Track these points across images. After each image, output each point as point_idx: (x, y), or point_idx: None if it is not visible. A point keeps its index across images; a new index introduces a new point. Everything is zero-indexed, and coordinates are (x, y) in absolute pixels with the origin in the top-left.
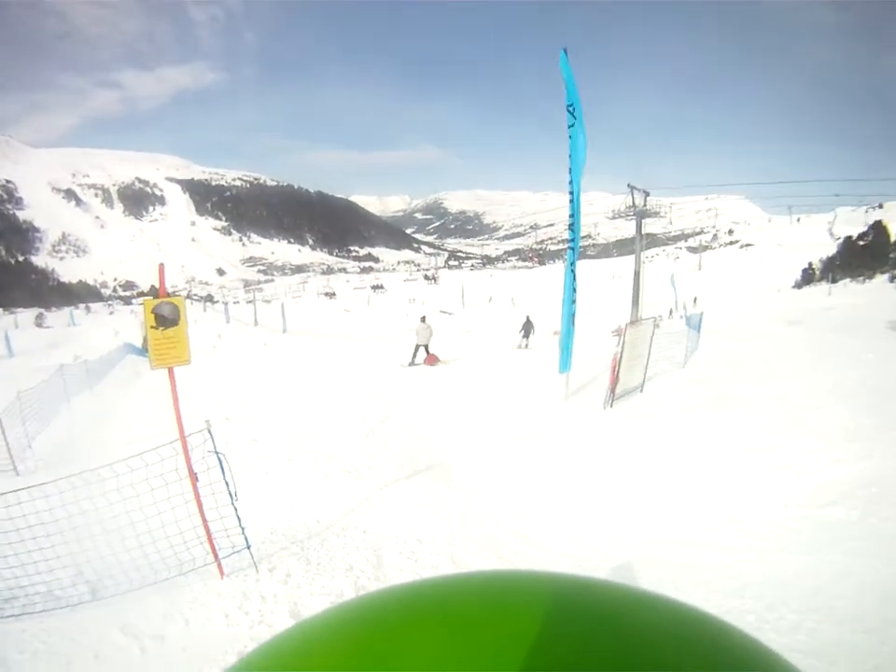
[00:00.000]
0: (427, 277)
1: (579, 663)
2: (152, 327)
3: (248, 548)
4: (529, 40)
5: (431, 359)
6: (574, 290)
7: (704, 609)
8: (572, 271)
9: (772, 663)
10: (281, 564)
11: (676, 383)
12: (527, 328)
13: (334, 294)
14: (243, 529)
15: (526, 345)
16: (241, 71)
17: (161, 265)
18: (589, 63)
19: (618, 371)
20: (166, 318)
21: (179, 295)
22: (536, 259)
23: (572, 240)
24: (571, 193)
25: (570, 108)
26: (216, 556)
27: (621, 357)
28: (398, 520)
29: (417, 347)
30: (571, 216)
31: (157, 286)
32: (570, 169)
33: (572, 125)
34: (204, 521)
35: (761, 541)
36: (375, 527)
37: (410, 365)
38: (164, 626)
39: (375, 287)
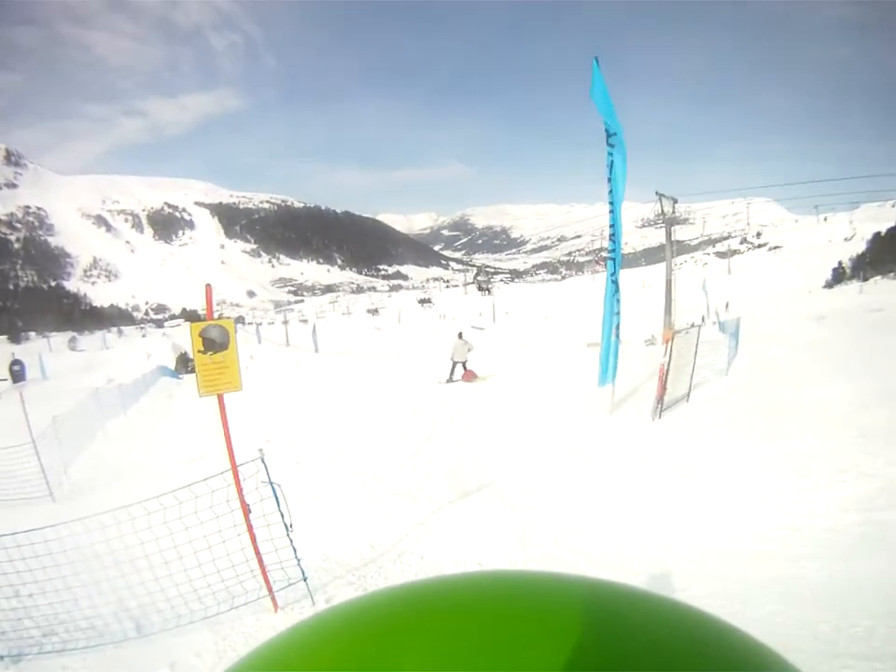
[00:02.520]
0: (480, 288)
1: (579, 662)
2: (199, 351)
3: (305, 579)
4: (548, 50)
5: (469, 376)
6: (617, 301)
7: (703, 609)
8: (614, 281)
9: (772, 663)
10: (338, 594)
11: (720, 391)
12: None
13: (376, 311)
14: (299, 561)
15: None
16: (263, 95)
17: (209, 286)
18: (609, 68)
19: (665, 381)
20: (215, 342)
21: (229, 317)
22: (602, 264)
23: (612, 251)
24: (611, 203)
25: (607, 118)
26: (269, 589)
27: (668, 366)
28: (455, 543)
29: (455, 364)
30: (612, 226)
31: (188, 308)
32: (609, 179)
33: (615, 134)
34: (258, 553)
35: (825, 549)
36: (432, 552)
37: (448, 382)
38: (217, 665)
39: (423, 301)
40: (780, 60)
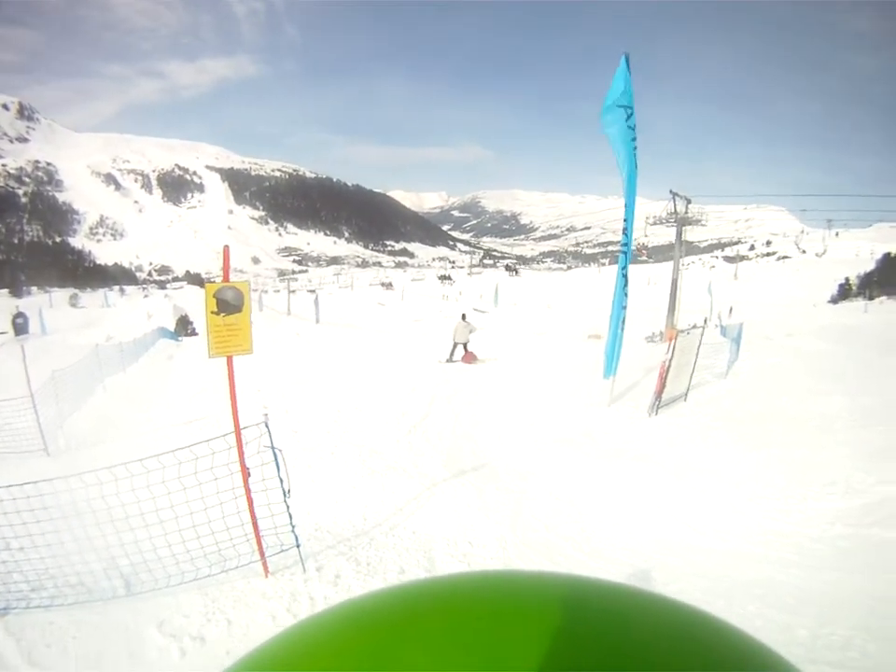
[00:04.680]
0: (508, 268)
1: (578, 663)
2: (213, 312)
3: (298, 546)
4: (574, 43)
5: (469, 357)
6: (625, 295)
7: (703, 609)
8: (624, 275)
9: (772, 663)
10: (329, 563)
11: (718, 394)
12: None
13: (390, 285)
14: (293, 527)
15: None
16: (283, 65)
17: (227, 247)
18: (633, 66)
19: (665, 379)
20: (229, 304)
21: (245, 280)
22: (644, 253)
23: (625, 244)
24: (626, 197)
25: (628, 111)
26: (262, 554)
27: (669, 364)
28: (447, 521)
29: (455, 345)
30: (625, 219)
31: (192, 271)
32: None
33: (632, 127)
34: (254, 518)
35: (809, 558)
36: (424, 528)
37: (447, 362)
38: (205, 627)
39: (443, 278)
40: (802, 68)
